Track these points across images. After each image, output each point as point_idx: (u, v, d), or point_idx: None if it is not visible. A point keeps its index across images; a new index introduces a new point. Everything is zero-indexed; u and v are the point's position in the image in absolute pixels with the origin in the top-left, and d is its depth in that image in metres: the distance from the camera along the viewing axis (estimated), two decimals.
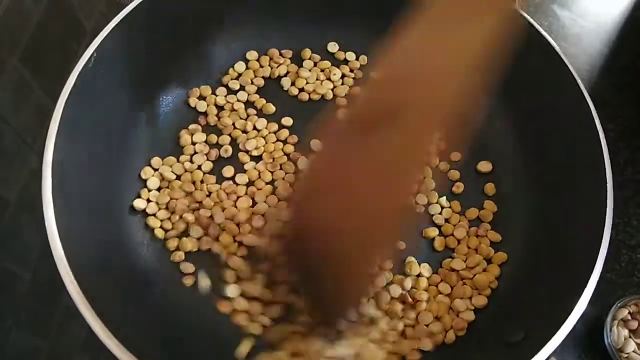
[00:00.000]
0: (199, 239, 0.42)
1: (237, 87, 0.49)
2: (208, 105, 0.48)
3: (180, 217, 0.42)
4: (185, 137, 0.46)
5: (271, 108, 0.48)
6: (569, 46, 0.57)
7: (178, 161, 0.45)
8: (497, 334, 0.37)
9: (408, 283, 0.40)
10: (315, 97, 0.49)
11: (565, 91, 0.42)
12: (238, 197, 0.44)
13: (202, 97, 0.48)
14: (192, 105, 0.48)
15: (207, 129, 0.47)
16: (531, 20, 0.44)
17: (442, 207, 0.45)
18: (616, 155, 0.40)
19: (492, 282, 0.41)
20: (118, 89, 0.42)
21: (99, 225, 0.39)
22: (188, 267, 0.41)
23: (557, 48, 0.43)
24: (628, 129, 0.52)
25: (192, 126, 0.47)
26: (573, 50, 0.57)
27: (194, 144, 0.46)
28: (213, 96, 0.48)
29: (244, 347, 0.37)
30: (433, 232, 0.43)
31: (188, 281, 0.40)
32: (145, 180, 0.44)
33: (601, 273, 0.34)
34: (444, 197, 0.45)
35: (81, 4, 0.53)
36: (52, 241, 0.33)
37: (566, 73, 0.42)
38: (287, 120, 0.48)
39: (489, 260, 0.42)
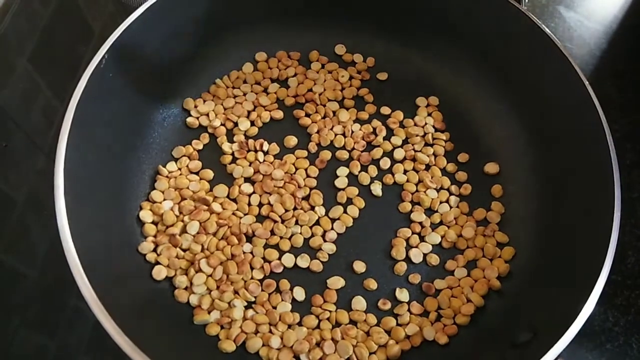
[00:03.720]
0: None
1: (246, 88, 0.49)
2: (216, 105, 0.48)
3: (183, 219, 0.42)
4: (194, 143, 0.47)
5: (279, 114, 0.48)
6: (575, 47, 0.57)
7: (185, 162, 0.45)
8: (505, 335, 0.38)
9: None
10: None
11: (571, 92, 0.42)
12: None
13: (211, 98, 0.49)
14: (201, 107, 0.48)
15: (215, 130, 0.47)
16: (537, 22, 0.44)
17: (451, 207, 0.45)
18: (622, 156, 0.40)
19: (502, 272, 0.41)
20: (129, 90, 0.42)
21: (110, 224, 0.39)
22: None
23: (563, 49, 0.43)
24: (634, 130, 0.52)
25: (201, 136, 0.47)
26: (579, 51, 0.57)
27: (199, 150, 0.46)
28: (221, 98, 0.49)
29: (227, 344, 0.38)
30: (441, 230, 0.44)
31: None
32: (155, 181, 0.44)
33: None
34: (453, 197, 0.45)
35: (89, 6, 0.54)
36: (64, 242, 0.33)
37: (573, 74, 0.42)
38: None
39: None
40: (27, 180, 0.45)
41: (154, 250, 0.41)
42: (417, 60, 0.51)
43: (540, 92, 0.45)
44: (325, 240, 0.43)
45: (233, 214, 0.43)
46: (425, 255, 0.43)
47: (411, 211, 0.44)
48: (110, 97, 0.40)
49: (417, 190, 0.45)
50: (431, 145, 0.47)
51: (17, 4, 0.46)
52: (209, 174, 0.45)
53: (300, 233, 0.43)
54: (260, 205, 0.44)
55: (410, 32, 0.51)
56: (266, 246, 0.42)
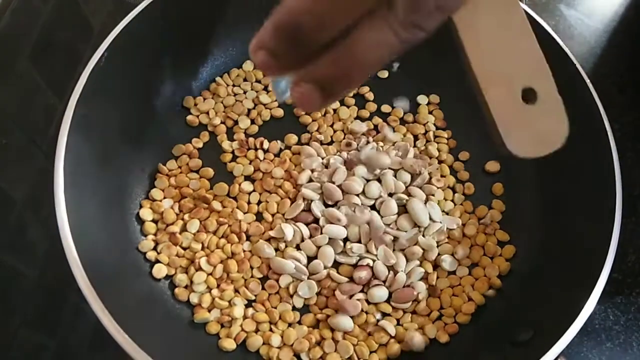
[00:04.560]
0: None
1: (246, 86, 0.49)
2: (216, 103, 0.48)
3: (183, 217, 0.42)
4: (194, 141, 0.46)
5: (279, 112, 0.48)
6: (576, 45, 0.57)
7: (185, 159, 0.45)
8: (506, 333, 0.37)
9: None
10: None
11: (572, 91, 0.42)
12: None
13: (211, 97, 0.49)
14: (201, 105, 0.48)
15: (215, 128, 0.47)
16: (538, 19, 0.44)
17: (455, 204, 0.45)
18: (623, 155, 0.40)
19: (502, 270, 0.41)
20: (128, 88, 0.42)
21: (110, 223, 0.39)
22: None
23: (564, 47, 0.43)
24: (635, 129, 0.52)
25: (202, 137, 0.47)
26: (579, 49, 0.57)
27: (199, 148, 0.46)
28: (221, 96, 0.48)
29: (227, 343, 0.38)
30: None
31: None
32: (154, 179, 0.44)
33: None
34: (457, 195, 0.45)
35: (88, 4, 0.53)
36: (64, 240, 0.33)
37: (573, 72, 0.42)
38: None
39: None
40: (26, 179, 0.44)
41: (154, 248, 0.41)
42: (418, 58, 0.51)
43: None
44: None
45: (233, 212, 0.43)
46: None
47: None
48: (109, 95, 0.40)
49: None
50: (431, 142, 0.47)
51: (16, 1, 0.45)
52: (209, 172, 0.45)
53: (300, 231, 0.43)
54: (259, 203, 0.44)
55: None
56: None
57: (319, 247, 0.41)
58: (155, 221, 0.42)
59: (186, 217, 0.42)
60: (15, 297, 0.41)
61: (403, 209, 0.43)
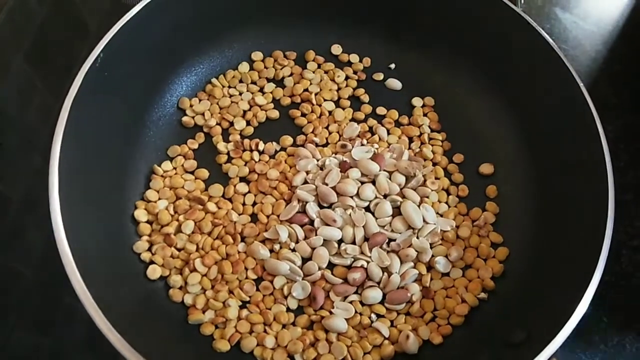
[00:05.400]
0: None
1: (241, 88, 0.49)
2: (212, 105, 0.48)
3: (179, 218, 0.42)
4: (189, 142, 0.47)
5: (275, 113, 0.49)
6: (570, 49, 0.58)
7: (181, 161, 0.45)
8: (499, 335, 0.38)
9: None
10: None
11: (566, 93, 0.43)
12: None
13: (206, 98, 0.49)
14: (196, 106, 0.48)
15: (210, 130, 0.47)
16: (533, 23, 0.44)
17: (449, 206, 0.45)
18: (617, 157, 0.40)
19: (496, 272, 0.42)
20: (124, 89, 0.42)
21: (105, 224, 0.39)
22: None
23: (558, 50, 0.43)
24: (628, 131, 0.52)
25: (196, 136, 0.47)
26: (574, 52, 0.57)
27: (194, 149, 0.46)
28: (216, 97, 0.48)
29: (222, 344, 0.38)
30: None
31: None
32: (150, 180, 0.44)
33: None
34: (451, 197, 0.45)
35: (85, 4, 0.53)
36: (58, 240, 0.33)
37: (568, 75, 0.42)
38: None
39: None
40: (22, 179, 0.45)
41: (149, 249, 0.41)
42: (413, 61, 0.51)
43: (535, 93, 0.45)
44: None
45: (228, 213, 0.43)
46: None
47: None
48: (105, 96, 0.40)
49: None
50: (425, 144, 0.48)
51: (12, 1, 0.45)
52: (204, 173, 0.45)
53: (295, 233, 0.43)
54: (254, 204, 0.44)
55: (407, 33, 0.51)
56: None
57: (313, 249, 0.42)
58: (150, 222, 0.42)
59: (181, 218, 0.42)
60: (11, 297, 0.41)
61: (397, 210, 0.43)
